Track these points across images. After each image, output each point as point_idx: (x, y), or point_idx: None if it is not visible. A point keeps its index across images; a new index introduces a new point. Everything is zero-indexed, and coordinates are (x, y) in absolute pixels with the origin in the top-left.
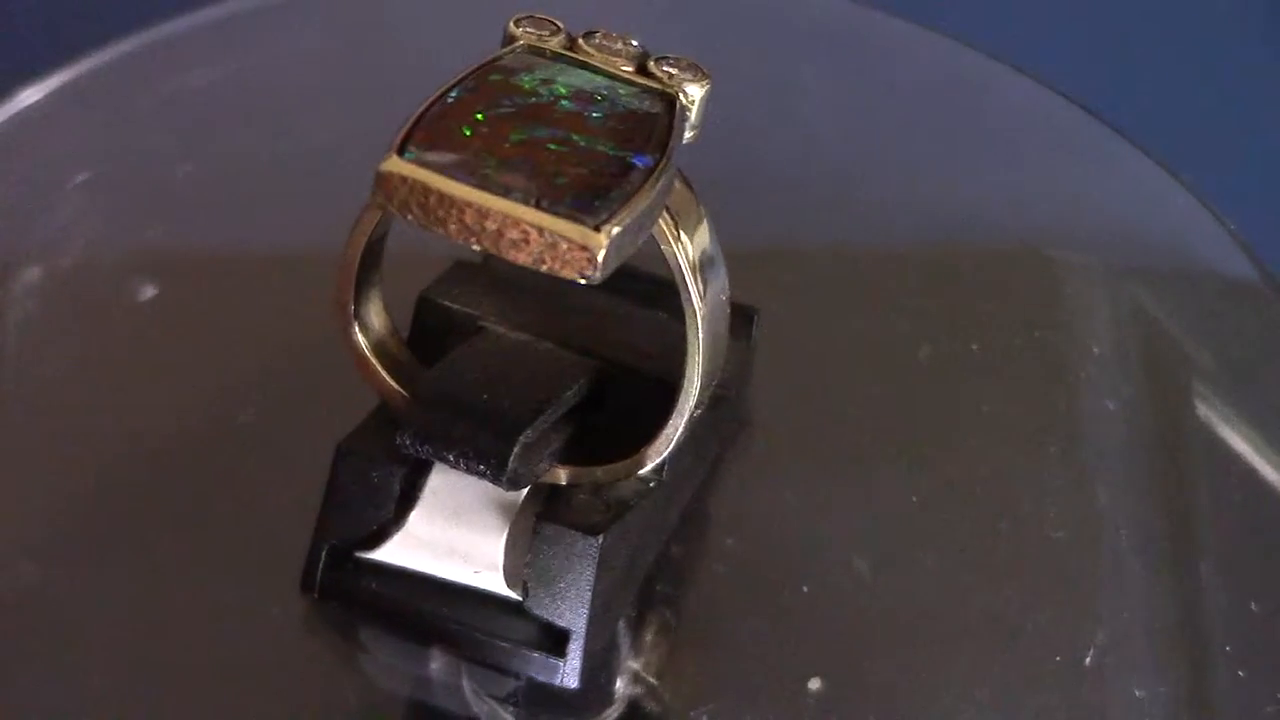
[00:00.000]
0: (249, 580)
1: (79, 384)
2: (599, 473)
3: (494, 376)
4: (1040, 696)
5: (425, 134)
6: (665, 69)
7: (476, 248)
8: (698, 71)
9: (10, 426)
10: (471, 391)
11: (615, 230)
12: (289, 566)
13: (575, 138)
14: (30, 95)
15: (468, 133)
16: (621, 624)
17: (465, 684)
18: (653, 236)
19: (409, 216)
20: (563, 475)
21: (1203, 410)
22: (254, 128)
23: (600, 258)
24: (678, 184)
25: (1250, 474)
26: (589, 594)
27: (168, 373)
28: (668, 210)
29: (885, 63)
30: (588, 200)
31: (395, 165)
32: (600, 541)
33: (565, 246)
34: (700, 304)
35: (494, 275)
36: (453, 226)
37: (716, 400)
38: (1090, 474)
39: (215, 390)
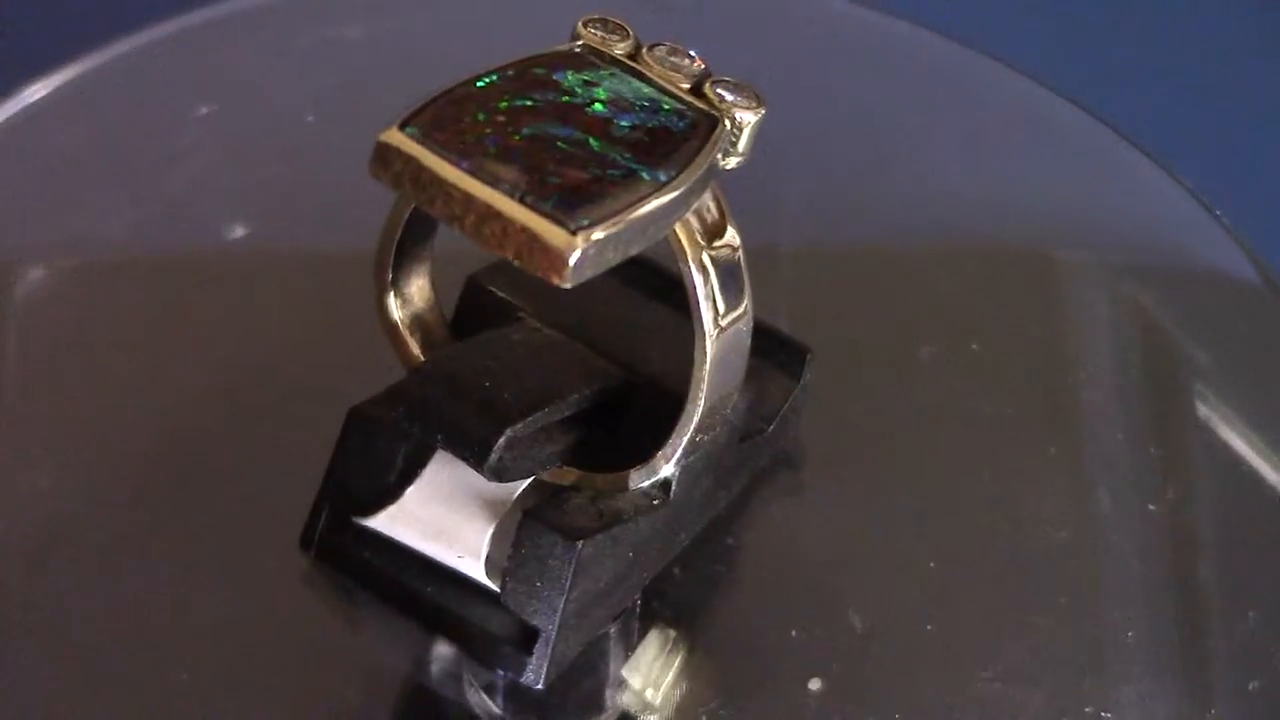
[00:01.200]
0: (253, 534)
1: (134, 322)
2: (599, 480)
3: (507, 366)
4: (1041, 697)
5: (436, 113)
6: (719, 91)
7: (458, 232)
8: (754, 99)
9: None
10: (478, 376)
11: (592, 237)
12: (296, 525)
13: (591, 142)
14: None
15: (481, 118)
16: (619, 629)
17: (465, 677)
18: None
19: (401, 191)
20: (566, 477)
21: (1202, 410)
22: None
23: (571, 261)
24: (710, 206)
25: (1250, 474)
26: (562, 597)
27: (232, 319)
28: (693, 230)
29: (884, 64)
30: (575, 203)
31: (393, 137)
32: (579, 548)
33: (538, 245)
34: (712, 329)
35: None
36: (439, 207)
37: (752, 432)
38: (1090, 474)
39: (275, 339)
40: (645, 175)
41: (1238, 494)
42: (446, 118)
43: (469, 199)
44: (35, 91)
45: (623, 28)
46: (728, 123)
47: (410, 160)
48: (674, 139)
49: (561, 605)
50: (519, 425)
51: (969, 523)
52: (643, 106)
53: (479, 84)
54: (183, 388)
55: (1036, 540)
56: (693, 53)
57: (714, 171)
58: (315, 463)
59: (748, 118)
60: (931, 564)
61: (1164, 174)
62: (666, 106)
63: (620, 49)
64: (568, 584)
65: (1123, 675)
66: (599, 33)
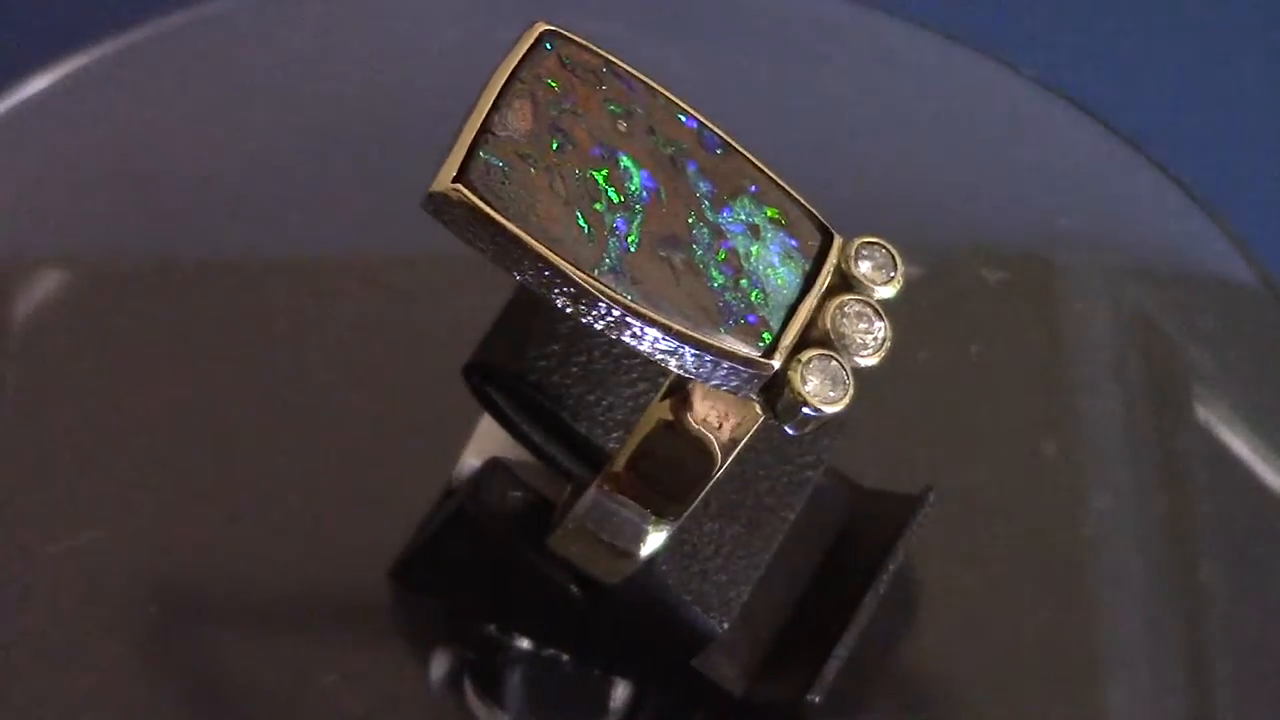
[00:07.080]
0: (256, 535)
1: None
2: (570, 511)
3: (617, 385)
4: (1040, 698)
5: (594, 60)
6: (808, 371)
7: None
8: (835, 402)
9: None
10: (589, 362)
11: (463, 201)
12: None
13: (633, 208)
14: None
15: (613, 109)
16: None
17: (466, 679)
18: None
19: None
20: (560, 493)
21: (1202, 412)
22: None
23: (427, 196)
24: (712, 413)
25: (1250, 475)
26: (436, 539)
27: None
28: (678, 401)
29: (884, 64)
30: (498, 184)
31: (536, 29)
32: (460, 513)
33: (443, 167)
34: (615, 468)
35: None
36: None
37: (731, 691)
38: (1090, 474)
39: (279, 341)
40: (605, 262)
41: (1238, 494)
42: (588, 66)
43: (477, 104)
44: (35, 84)
45: (895, 272)
46: (773, 367)
47: (514, 50)
48: (695, 300)
49: (430, 542)
50: (528, 378)
51: (967, 524)
52: (741, 276)
53: (660, 98)
54: (182, 385)
55: (1037, 540)
56: (879, 328)
57: (719, 380)
58: (313, 461)
59: (819, 409)
60: (928, 565)
61: (1163, 175)
62: (755, 297)
63: (870, 289)
64: (437, 530)
65: (1123, 675)
66: (865, 257)
